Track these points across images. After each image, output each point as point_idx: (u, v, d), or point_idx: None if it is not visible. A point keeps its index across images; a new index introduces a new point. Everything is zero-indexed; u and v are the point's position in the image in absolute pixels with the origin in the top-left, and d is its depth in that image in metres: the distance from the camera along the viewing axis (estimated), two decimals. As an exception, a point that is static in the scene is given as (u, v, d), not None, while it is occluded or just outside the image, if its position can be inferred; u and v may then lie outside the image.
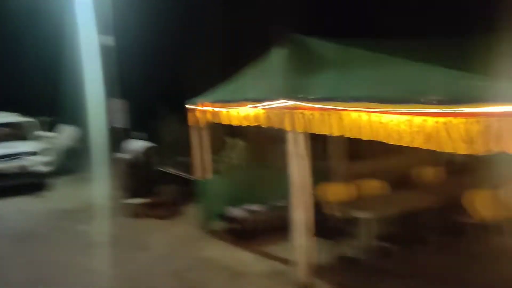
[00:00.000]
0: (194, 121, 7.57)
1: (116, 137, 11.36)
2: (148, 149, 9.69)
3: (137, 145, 9.69)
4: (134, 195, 9.19)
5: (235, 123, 6.61)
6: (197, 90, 7.61)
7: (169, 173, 10.09)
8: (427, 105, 3.41)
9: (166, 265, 6.56)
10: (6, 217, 9.92)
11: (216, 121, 7.11)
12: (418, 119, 3.60)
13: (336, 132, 4.59)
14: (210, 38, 13.38)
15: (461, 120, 3.24)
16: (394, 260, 6.05)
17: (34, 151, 11.98)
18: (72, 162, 13.44)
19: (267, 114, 5.68)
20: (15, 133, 12.92)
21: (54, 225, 9.04)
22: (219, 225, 7.75)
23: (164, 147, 10.87)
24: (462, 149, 3.31)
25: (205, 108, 7.22)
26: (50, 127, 13.88)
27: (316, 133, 4.89)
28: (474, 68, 3.49)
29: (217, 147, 8.75)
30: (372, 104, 3.98)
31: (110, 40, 12.28)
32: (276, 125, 5.52)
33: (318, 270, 5.49)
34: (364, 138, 4.24)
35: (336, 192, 6.83)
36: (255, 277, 5.93)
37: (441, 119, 3.40)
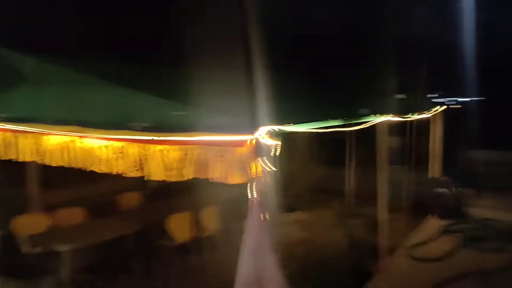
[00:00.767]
0: None
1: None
2: None
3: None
4: None
5: None
6: None
7: None
8: (132, 132, 3.37)
9: None
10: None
11: None
12: (122, 145, 3.54)
13: (30, 157, 4.06)
14: None
15: (165, 147, 3.35)
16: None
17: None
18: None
19: None
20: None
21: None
22: None
23: None
24: (165, 176, 3.41)
25: None
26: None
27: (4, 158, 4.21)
28: (177, 96, 3.68)
29: None
30: (76, 128, 3.70)
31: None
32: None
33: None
34: (67, 164, 3.89)
35: (30, 223, 6.06)
36: None
37: (147, 146, 3.43)
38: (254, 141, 2.91)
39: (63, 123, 3.81)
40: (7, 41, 5.17)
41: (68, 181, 7.43)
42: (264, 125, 2.96)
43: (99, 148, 3.80)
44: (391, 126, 6.37)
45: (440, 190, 8.02)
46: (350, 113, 4.68)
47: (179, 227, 6.24)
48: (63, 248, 5.58)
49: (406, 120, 7.00)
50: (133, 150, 3.58)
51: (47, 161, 4.10)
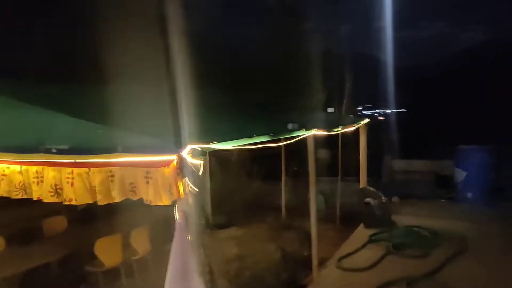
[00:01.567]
0: None
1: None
2: None
3: None
4: None
5: None
6: None
7: None
8: (48, 155, 3.21)
9: None
10: None
11: None
12: (37, 169, 3.36)
13: None
14: None
15: (84, 170, 3.22)
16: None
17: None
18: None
19: None
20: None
21: None
22: None
23: None
24: (91, 199, 3.29)
25: None
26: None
27: None
28: (97, 117, 3.56)
29: None
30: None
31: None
32: None
33: None
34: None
35: None
36: None
37: (68, 169, 3.28)
38: (178, 161, 2.86)
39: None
40: None
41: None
42: (188, 144, 2.93)
43: (19, 173, 3.62)
44: (321, 139, 6.56)
45: (367, 200, 8.34)
46: (277, 128, 4.75)
47: (108, 250, 6.02)
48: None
49: (335, 133, 7.24)
50: (51, 174, 3.42)
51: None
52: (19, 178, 3.64)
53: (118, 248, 6.13)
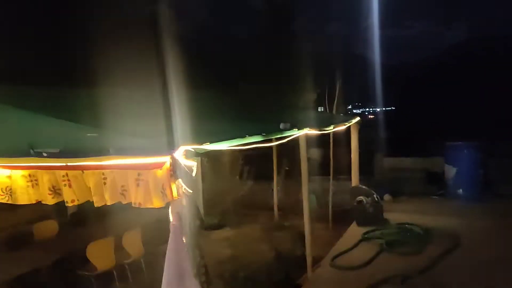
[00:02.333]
0: None
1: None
2: None
3: None
4: None
5: None
6: None
7: None
8: (40, 159, 3.17)
9: None
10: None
11: None
12: (29, 173, 3.32)
13: None
14: None
15: (78, 172, 3.19)
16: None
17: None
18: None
19: None
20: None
21: None
22: None
23: None
24: (88, 197, 3.27)
25: None
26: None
27: None
28: (89, 119, 3.53)
29: None
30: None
31: None
32: None
33: None
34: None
35: None
36: None
37: (60, 172, 3.25)
38: (171, 163, 2.84)
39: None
40: None
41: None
42: (181, 146, 2.91)
43: (7, 178, 3.57)
44: (313, 138, 6.56)
45: (359, 198, 8.37)
46: (270, 128, 4.74)
47: (100, 254, 5.97)
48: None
49: (327, 132, 7.25)
50: (46, 176, 3.39)
51: None
52: (7, 182, 3.59)
53: (111, 251, 6.08)
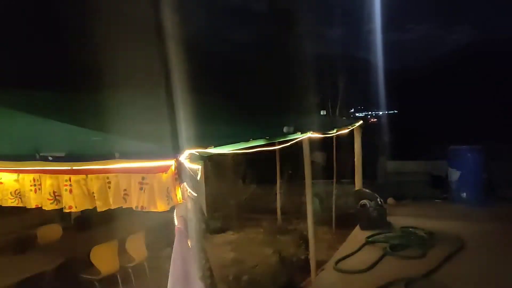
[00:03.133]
0: None
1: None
2: None
3: None
4: None
5: None
6: None
7: None
8: (45, 163, 3.18)
9: None
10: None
11: None
12: (33, 177, 3.34)
13: None
14: None
15: (82, 176, 3.20)
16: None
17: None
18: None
19: None
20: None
21: None
22: None
23: None
24: (86, 205, 3.28)
25: None
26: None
27: None
28: (94, 123, 3.54)
29: None
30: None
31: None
32: None
33: None
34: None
35: None
36: None
37: (63, 176, 3.26)
38: (176, 166, 2.85)
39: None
40: None
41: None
42: (186, 149, 2.92)
43: (15, 181, 3.59)
44: (316, 142, 6.56)
45: (363, 202, 8.35)
46: (273, 132, 4.75)
47: (104, 257, 5.97)
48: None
49: (330, 136, 7.25)
50: (49, 181, 3.40)
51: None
52: (15, 186, 3.61)
53: (115, 255, 6.08)
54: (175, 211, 2.88)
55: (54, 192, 3.38)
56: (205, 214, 3.07)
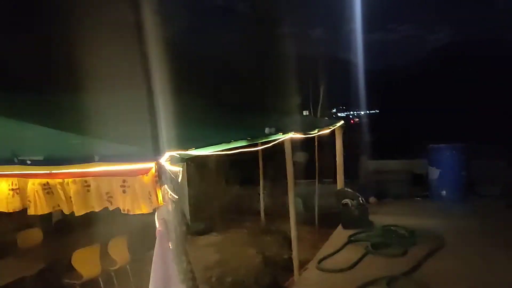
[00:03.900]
0: None
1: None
2: None
3: None
4: None
5: None
6: None
7: None
8: (22, 167, 3.14)
9: None
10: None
11: None
12: (17, 181, 3.29)
13: None
14: None
15: (59, 180, 3.17)
16: None
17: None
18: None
19: None
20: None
21: None
22: None
23: None
24: (64, 210, 3.24)
25: None
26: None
27: None
28: (73, 126, 3.50)
29: None
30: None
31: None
32: None
33: None
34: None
35: None
36: None
37: (38, 180, 3.22)
38: (157, 169, 2.84)
39: None
40: None
41: None
42: (167, 151, 2.91)
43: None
44: (298, 142, 6.61)
45: (345, 201, 8.43)
46: (255, 133, 4.76)
47: (86, 261, 5.91)
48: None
49: (312, 136, 7.30)
50: (28, 185, 3.35)
51: None
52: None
53: (97, 259, 6.03)
54: (156, 213, 2.88)
55: (34, 196, 3.34)
56: (187, 216, 3.08)
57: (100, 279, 6.09)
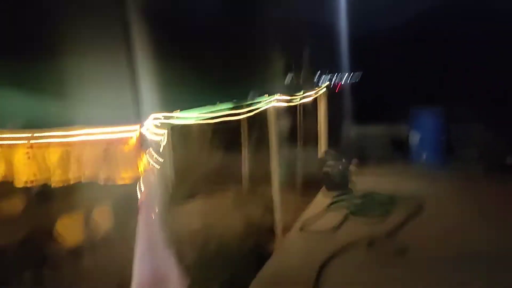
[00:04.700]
0: None
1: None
2: None
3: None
4: None
5: None
6: None
7: None
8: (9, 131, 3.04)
9: None
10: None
11: None
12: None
13: None
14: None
15: (41, 148, 3.09)
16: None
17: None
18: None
19: None
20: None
21: None
22: None
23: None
24: (46, 178, 3.17)
25: None
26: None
27: None
28: (52, 91, 3.40)
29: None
30: None
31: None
32: None
33: None
34: None
35: None
36: None
37: (23, 149, 3.14)
38: (139, 134, 2.78)
39: None
40: None
41: None
42: (149, 115, 2.85)
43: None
44: (281, 107, 6.58)
45: (328, 166, 8.50)
46: (240, 95, 4.71)
47: (69, 230, 5.89)
48: None
49: (295, 101, 7.26)
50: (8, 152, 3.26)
51: None
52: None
53: (80, 227, 6.00)
54: (138, 183, 2.84)
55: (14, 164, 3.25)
56: (170, 183, 3.06)
57: (83, 248, 6.06)
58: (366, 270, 5.27)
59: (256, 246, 6.54)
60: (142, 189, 2.85)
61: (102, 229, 6.29)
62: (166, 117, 2.90)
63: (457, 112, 10.91)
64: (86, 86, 3.25)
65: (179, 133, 9.73)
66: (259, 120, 6.36)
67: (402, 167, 10.35)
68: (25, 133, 3.05)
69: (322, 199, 8.10)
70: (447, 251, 5.64)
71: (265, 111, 5.72)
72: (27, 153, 3.17)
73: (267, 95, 5.21)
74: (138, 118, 2.79)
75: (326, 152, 9.30)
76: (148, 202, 2.83)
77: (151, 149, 2.81)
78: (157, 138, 2.83)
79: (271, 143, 6.09)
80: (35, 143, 3.10)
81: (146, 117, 2.78)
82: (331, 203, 7.58)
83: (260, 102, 5.13)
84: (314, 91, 8.59)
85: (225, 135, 10.61)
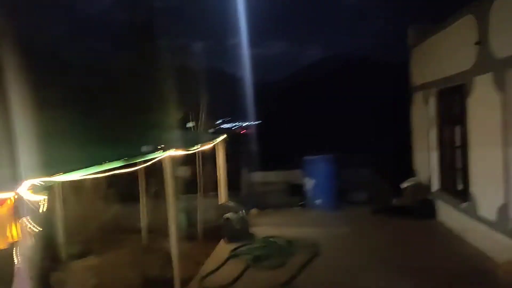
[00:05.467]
0: None
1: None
2: None
3: None
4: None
5: None
6: None
7: None
8: None
9: None
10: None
11: None
12: None
13: None
14: None
15: None
16: None
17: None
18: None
19: None
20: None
21: None
22: None
23: None
24: None
25: None
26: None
27: None
28: None
29: None
30: None
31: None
32: None
33: None
34: None
35: None
36: None
37: None
38: (15, 199, 2.58)
39: None
40: None
41: None
42: (28, 178, 2.66)
43: None
44: (179, 158, 6.52)
45: (227, 214, 8.54)
46: (132, 152, 4.60)
47: None
48: None
49: (193, 151, 7.26)
50: None
51: None
52: None
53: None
54: (14, 249, 2.61)
55: None
56: (60, 240, 2.85)
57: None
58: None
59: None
60: (18, 256, 2.62)
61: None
62: (45, 182, 2.73)
63: (347, 158, 11.73)
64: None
65: (70, 187, 9.20)
66: (156, 170, 6.24)
67: (299, 212, 10.75)
68: None
69: (222, 248, 8.05)
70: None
71: (161, 161, 5.64)
72: None
73: (162, 150, 5.15)
74: (14, 183, 2.59)
75: (225, 201, 9.36)
76: (24, 269, 2.61)
77: (28, 215, 2.61)
78: (35, 203, 2.64)
79: (167, 192, 5.99)
80: None
81: (23, 182, 2.59)
82: (232, 253, 7.55)
83: (154, 158, 5.05)
84: (213, 139, 8.70)
85: (121, 186, 10.21)
